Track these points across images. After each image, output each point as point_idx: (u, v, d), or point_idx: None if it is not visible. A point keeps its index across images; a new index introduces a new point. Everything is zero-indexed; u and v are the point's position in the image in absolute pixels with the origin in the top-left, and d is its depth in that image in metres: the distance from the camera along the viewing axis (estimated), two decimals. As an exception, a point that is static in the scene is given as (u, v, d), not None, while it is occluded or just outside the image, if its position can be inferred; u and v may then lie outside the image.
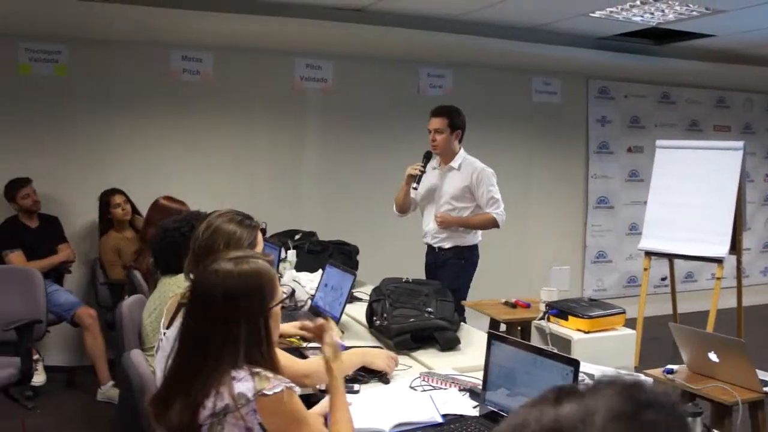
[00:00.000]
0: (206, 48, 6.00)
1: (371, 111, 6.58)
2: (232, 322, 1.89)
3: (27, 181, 5.38)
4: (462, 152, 4.78)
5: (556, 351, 2.27)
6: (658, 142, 6.58)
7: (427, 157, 4.73)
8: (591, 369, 2.59)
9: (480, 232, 4.84)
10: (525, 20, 6.00)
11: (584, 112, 7.56)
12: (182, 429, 1.85)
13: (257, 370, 1.87)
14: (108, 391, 5.01)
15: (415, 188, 4.69)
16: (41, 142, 5.63)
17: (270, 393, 1.83)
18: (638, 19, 5.71)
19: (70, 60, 5.67)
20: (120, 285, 5.26)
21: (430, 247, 4.88)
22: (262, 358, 1.92)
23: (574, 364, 2.14)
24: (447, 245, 4.76)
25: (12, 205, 5.37)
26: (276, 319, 2.02)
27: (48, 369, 5.35)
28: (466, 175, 4.70)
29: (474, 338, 3.46)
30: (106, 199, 5.52)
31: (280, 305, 2.05)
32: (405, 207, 4.89)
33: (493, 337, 2.44)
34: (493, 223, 4.72)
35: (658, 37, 6.55)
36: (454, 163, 4.74)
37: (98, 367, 5.08)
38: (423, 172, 4.66)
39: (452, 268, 4.64)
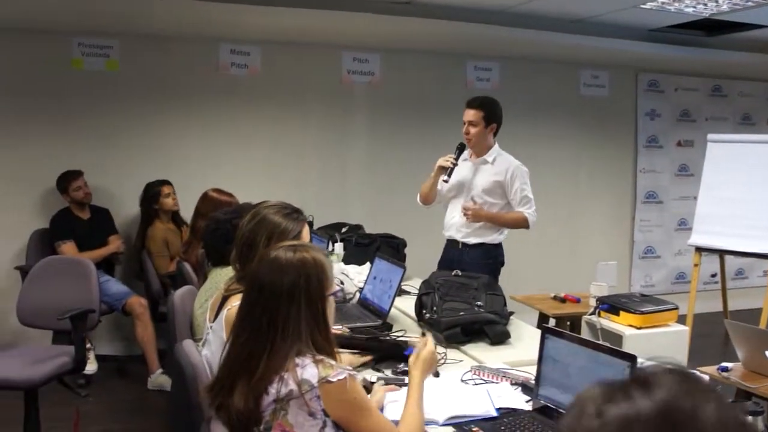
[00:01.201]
0: (254, 42, 6.04)
1: (418, 104, 6.56)
2: (294, 305, 1.93)
3: (79, 174, 5.48)
4: (497, 146, 4.60)
5: (611, 346, 2.23)
6: (710, 136, 6.46)
7: (461, 149, 4.54)
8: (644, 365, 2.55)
9: (506, 230, 4.63)
10: (574, 12, 5.92)
11: (633, 106, 7.45)
12: (245, 414, 1.87)
13: (320, 357, 1.91)
14: (157, 378, 5.10)
15: (446, 181, 4.48)
16: (93, 135, 5.73)
17: (334, 380, 1.86)
18: (690, 10, 5.60)
19: (121, 54, 5.76)
20: (173, 277, 5.34)
21: (451, 242, 4.69)
22: (324, 342, 1.96)
23: (631, 359, 2.10)
24: (473, 241, 4.55)
25: (64, 197, 5.47)
26: (331, 310, 2.06)
27: (99, 358, 5.45)
28: (500, 170, 4.51)
29: (523, 332, 3.43)
30: (156, 189, 5.59)
31: (333, 297, 2.08)
32: (430, 198, 4.69)
33: (547, 332, 2.42)
34: (524, 223, 4.50)
35: (711, 28, 6.41)
36: (488, 157, 4.55)
37: (148, 356, 5.16)
38: (455, 164, 4.46)
39: (479, 269, 4.16)
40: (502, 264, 4.64)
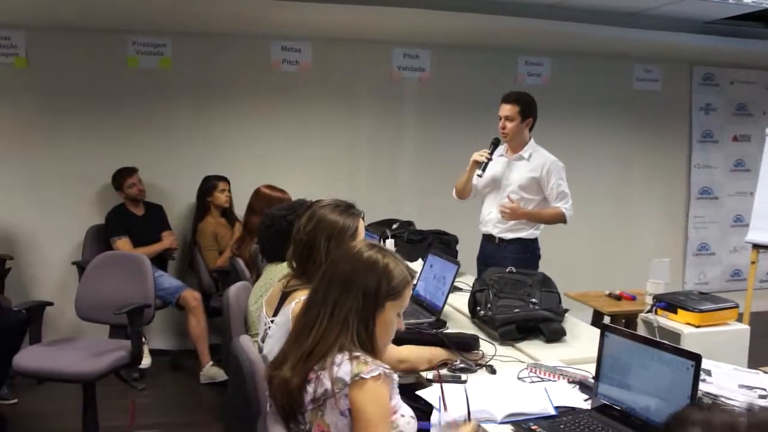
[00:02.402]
0: (305, 38, 6.07)
1: (468, 100, 6.52)
2: (349, 296, 1.96)
3: (133, 171, 5.57)
4: (532, 142, 4.57)
5: (674, 345, 2.19)
6: (768, 130, 6.31)
7: (495, 144, 4.54)
8: (706, 364, 2.50)
9: (542, 225, 4.59)
10: (627, 5, 5.82)
11: (687, 100, 7.30)
12: (289, 388, 1.89)
13: (357, 354, 1.90)
14: (209, 370, 5.16)
15: (480, 175, 4.48)
16: (147, 132, 5.82)
17: (367, 376, 1.85)
18: (750, 0, 5.45)
19: (174, 53, 5.85)
20: (225, 272, 5.42)
21: (487, 237, 4.68)
22: (368, 342, 1.96)
23: (696, 358, 2.06)
24: (509, 236, 4.54)
25: (119, 194, 5.57)
26: (387, 320, 2.02)
27: (152, 352, 5.54)
28: (536, 166, 4.47)
29: (578, 330, 3.38)
30: (212, 183, 5.68)
31: (398, 312, 2.05)
32: (465, 193, 4.69)
33: (606, 329, 2.38)
34: (561, 218, 4.46)
35: (770, 19, 6.25)
36: (524, 153, 4.52)
37: (200, 349, 5.23)
38: (490, 159, 4.45)
39: (515, 264, 3.98)
40: (539, 258, 4.63)
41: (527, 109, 4.49)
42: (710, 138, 7.41)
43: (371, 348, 1.97)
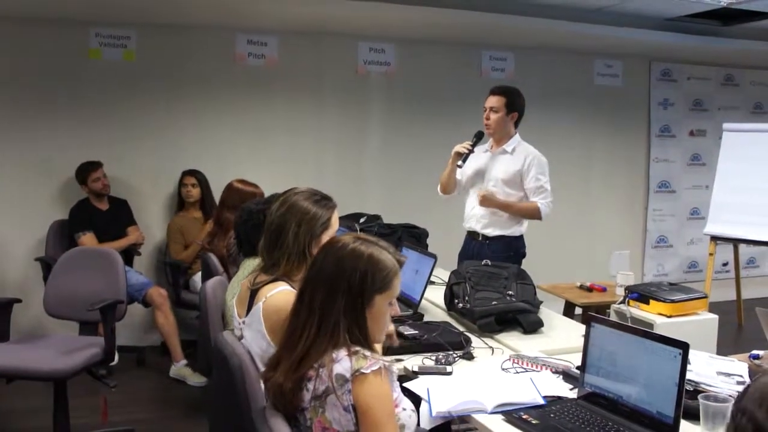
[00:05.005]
0: (271, 32, 6.04)
1: (433, 94, 6.57)
2: (335, 293, 1.93)
3: (98, 165, 5.49)
4: (517, 137, 4.52)
5: (662, 334, 2.24)
6: (725, 125, 6.48)
7: (478, 136, 4.47)
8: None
9: (526, 221, 4.54)
10: (590, 1, 5.91)
11: (646, 95, 7.45)
12: (283, 392, 1.90)
13: (356, 349, 1.89)
14: (181, 369, 5.12)
15: (460, 166, 4.41)
16: (111, 126, 5.73)
17: (368, 371, 1.84)
18: (708, -1, 5.59)
19: (138, 45, 5.75)
20: (178, 266, 5.41)
21: (471, 235, 4.63)
22: (362, 337, 1.94)
23: (683, 347, 2.11)
24: (492, 233, 4.48)
25: (83, 188, 5.48)
26: (379, 312, 1.99)
27: (118, 349, 5.45)
28: (518, 160, 4.43)
29: (554, 321, 3.45)
30: (181, 178, 5.66)
31: (389, 303, 2.02)
32: (449, 187, 4.63)
33: (592, 320, 2.43)
34: (535, 213, 4.39)
35: (727, 17, 6.39)
36: (508, 147, 4.47)
37: (171, 345, 5.18)
38: (471, 151, 4.39)
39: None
40: (524, 256, 4.57)
41: (513, 102, 4.45)
42: (668, 133, 7.56)
43: (366, 342, 1.95)
